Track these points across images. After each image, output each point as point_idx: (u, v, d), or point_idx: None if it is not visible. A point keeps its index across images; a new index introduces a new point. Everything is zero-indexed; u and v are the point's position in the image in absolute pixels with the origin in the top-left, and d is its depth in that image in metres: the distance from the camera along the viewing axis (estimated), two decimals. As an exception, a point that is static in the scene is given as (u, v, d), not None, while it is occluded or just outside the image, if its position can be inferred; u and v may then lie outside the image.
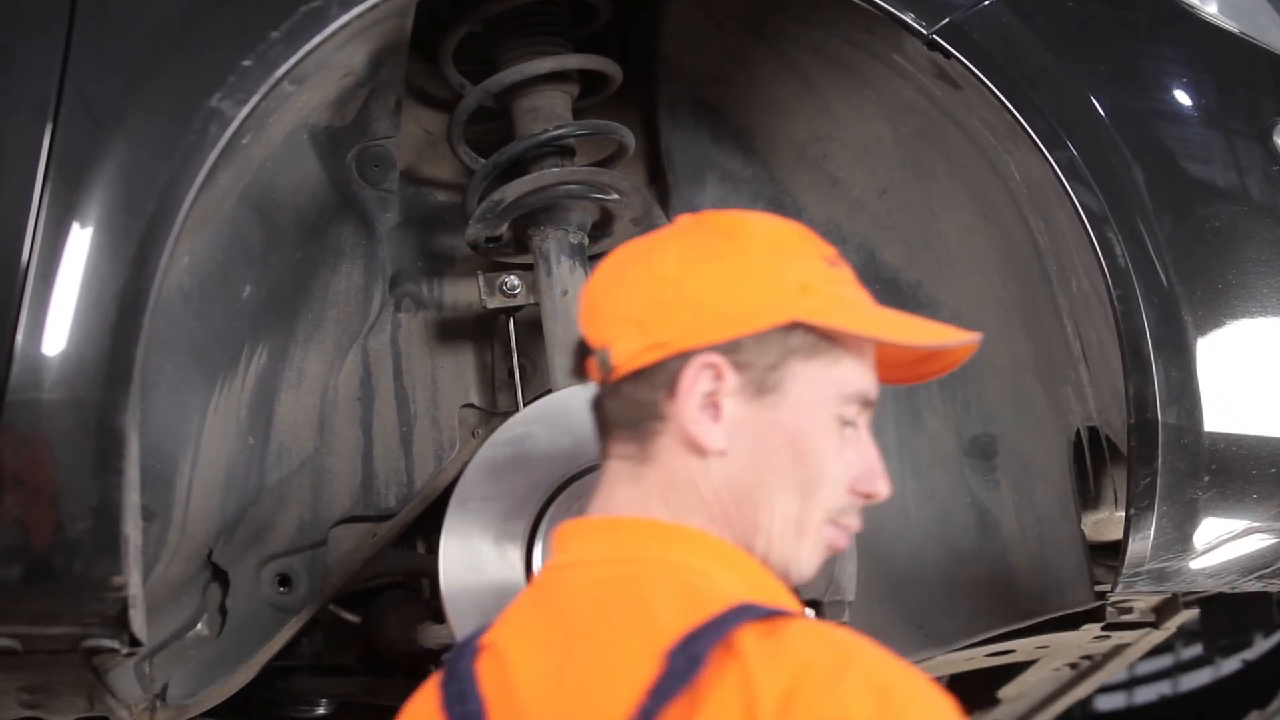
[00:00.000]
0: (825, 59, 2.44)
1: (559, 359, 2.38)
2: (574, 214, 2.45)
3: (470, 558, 2.19)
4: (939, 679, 2.81)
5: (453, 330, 2.58)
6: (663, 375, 1.59)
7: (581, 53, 2.48)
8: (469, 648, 1.61)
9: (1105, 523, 2.42)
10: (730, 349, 1.58)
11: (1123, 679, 4.90)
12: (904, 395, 2.53)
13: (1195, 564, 2.20)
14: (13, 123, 1.94)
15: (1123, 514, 2.18)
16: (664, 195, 2.64)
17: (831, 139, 2.55)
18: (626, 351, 1.60)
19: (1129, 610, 2.57)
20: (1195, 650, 4.69)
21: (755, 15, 2.46)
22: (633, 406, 1.61)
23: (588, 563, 1.61)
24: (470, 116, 2.47)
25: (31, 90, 1.94)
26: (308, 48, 1.99)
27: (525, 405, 2.43)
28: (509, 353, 2.52)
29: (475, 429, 2.56)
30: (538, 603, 1.62)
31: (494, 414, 2.57)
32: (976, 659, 2.70)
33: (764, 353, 1.59)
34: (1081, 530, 2.40)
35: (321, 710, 2.84)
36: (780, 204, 2.60)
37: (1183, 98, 2.30)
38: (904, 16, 2.15)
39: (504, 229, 2.45)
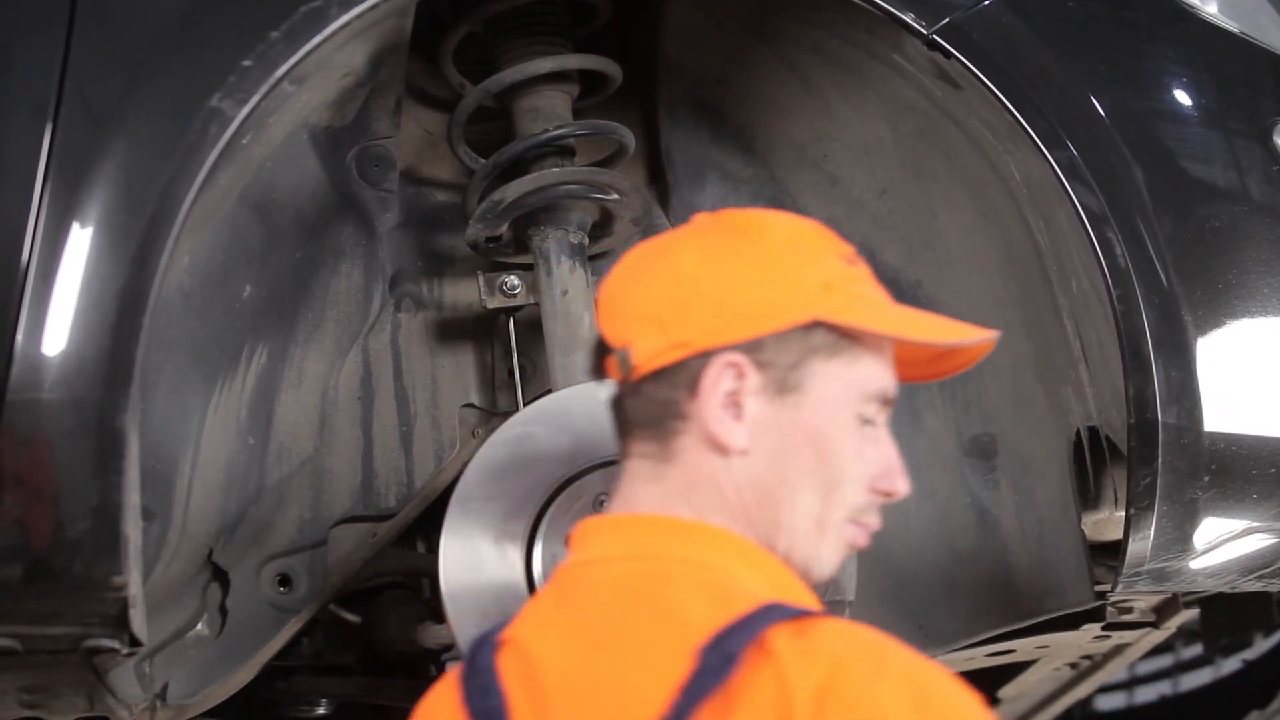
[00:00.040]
0: (825, 59, 2.44)
1: (559, 359, 2.38)
2: (574, 214, 2.45)
3: (470, 558, 2.19)
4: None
5: (453, 330, 2.58)
6: (684, 374, 1.60)
7: (581, 53, 2.48)
8: (489, 642, 1.61)
9: (1105, 522, 2.42)
10: (752, 348, 1.59)
11: (1123, 679, 4.89)
12: (904, 395, 2.50)
13: (1195, 564, 2.20)
14: (13, 123, 1.93)
15: (1123, 514, 2.18)
16: (664, 195, 2.64)
17: (831, 139, 2.55)
18: (647, 351, 1.60)
19: (1129, 610, 2.58)
20: (1195, 650, 4.69)
21: (755, 15, 2.46)
22: (654, 406, 1.62)
23: (610, 559, 1.61)
24: (470, 116, 2.47)
25: (31, 90, 1.94)
26: (308, 48, 1.99)
27: (525, 405, 2.43)
28: (509, 353, 2.53)
29: (475, 429, 2.56)
30: (560, 599, 1.62)
31: (494, 414, 2.57)
32: (976, 659, 2.70)
33: (785, 351, 1.59)
34: (1081, 530, 2.39)
35: (321, 710, 2.84)
36: (780, 204, 2.60)
37: (1183, 98, 2.30)
38: (904, 16, 2.16)
39: (504, 229, 2.45)
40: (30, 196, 1.90)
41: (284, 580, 2.47)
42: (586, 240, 2.47)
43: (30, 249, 1.89)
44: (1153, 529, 2.13)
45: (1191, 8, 2.33)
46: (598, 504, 2.20)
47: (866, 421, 1.63)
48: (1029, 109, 2.15)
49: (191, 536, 2.30)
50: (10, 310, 1.87)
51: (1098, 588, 2.37)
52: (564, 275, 2.41)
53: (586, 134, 2.46)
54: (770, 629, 1.44)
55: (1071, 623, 2.51)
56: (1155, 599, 2.57)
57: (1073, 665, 3.05)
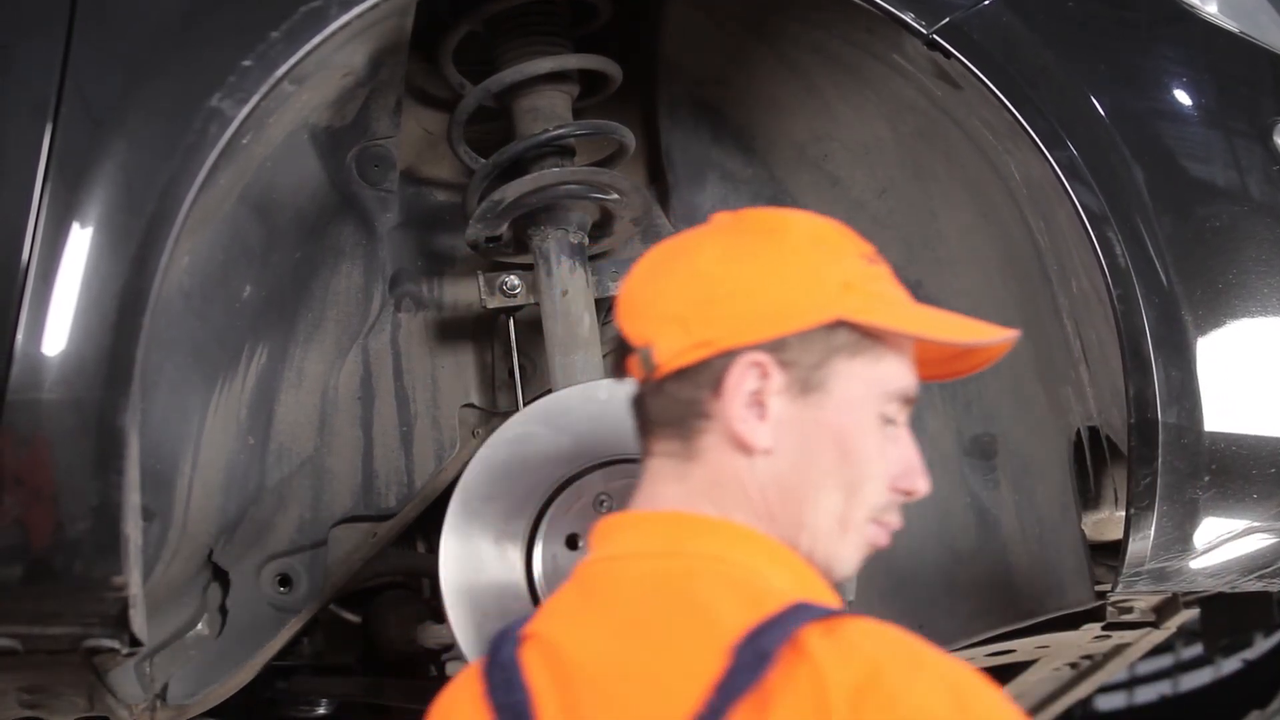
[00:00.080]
0: (825, 59, 2.44)
1: (559, 359, 2.38)
2: (574, 214, 2.45)
3: (470, 558, 2.19)
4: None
5: (453, 330, 2.58)
6: (707, 374, 1.60)
7: (581, 53, 2.48)
8: (511, 637, 1.61)
9: (1105, 522, 2.42)
10: (775, 347, 1.59)
11: (1123, 679, 4.89)
12: (904, 395, 2.53)
13: (1195, 564, 2.20)
14: (13, 123, 1.93)
15: (1123, 514, 2.18)
16: (664, 195, 2.64)
17: (831, 139, 2.55)
18: (670, 350, 1.61)
19: (1129, 610, 2.58)
20: (1195, 650, 4.69)
21: (755, 15, 2.46)
22: (677, 405, 1.62)
23: (635, 555, 1.61)
24: (470, 116, 2.47)
25: (31, 90, 1.94)
26: (308, 48, 1.99)
27: (525, 405, 2.43)
28: (509, 353, 2.52)
29: (475, 429, 2.57)
30: (584, 595, 1.62)
31: (494, 414, 2.57)
32: (976, 659, 2.70)
33: (808, 351, 1.60)
34: (1082, 530, 2.39)
35: (321, 710, 2.85)
36: (780, 204, 2.59)
37: (1183, 98, 2.29)
38: (904, 16, 2.16)
39: (504, 229, 2.45)
40: (30, 196, 1.90)
41: (284, 580, 2.47)
42: (586, 240, 2.47)
43: (30, 249, 1.89)
44: (1153, 529, 2.13)
45: (1191, 8, 2.33)
46: (598, 504, 2.20)
47: (888, 421, 1.64)
48: (1029, 109, 2.15)
49: (192, 536, 2.30)
50: (10, 310, 1.87)
51: (1098, 588, 2.37)
52: (564, 275, 2.41)
53: (586, 134, 2.46)
54: (803, 628, 1.44)
55: (1071, 623, 2.51)
56: (1155, 599, 2.57)
57: (1073, 665, 3.05)
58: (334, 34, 2.01)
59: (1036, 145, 2.15)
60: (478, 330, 2.59)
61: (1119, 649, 2.89)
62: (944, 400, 2.54)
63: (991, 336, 1.71)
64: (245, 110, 1.95)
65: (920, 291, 2.51)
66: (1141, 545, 2.15)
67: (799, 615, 1.47)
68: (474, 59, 2.52)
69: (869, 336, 1.62)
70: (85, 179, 1.91)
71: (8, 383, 1.87)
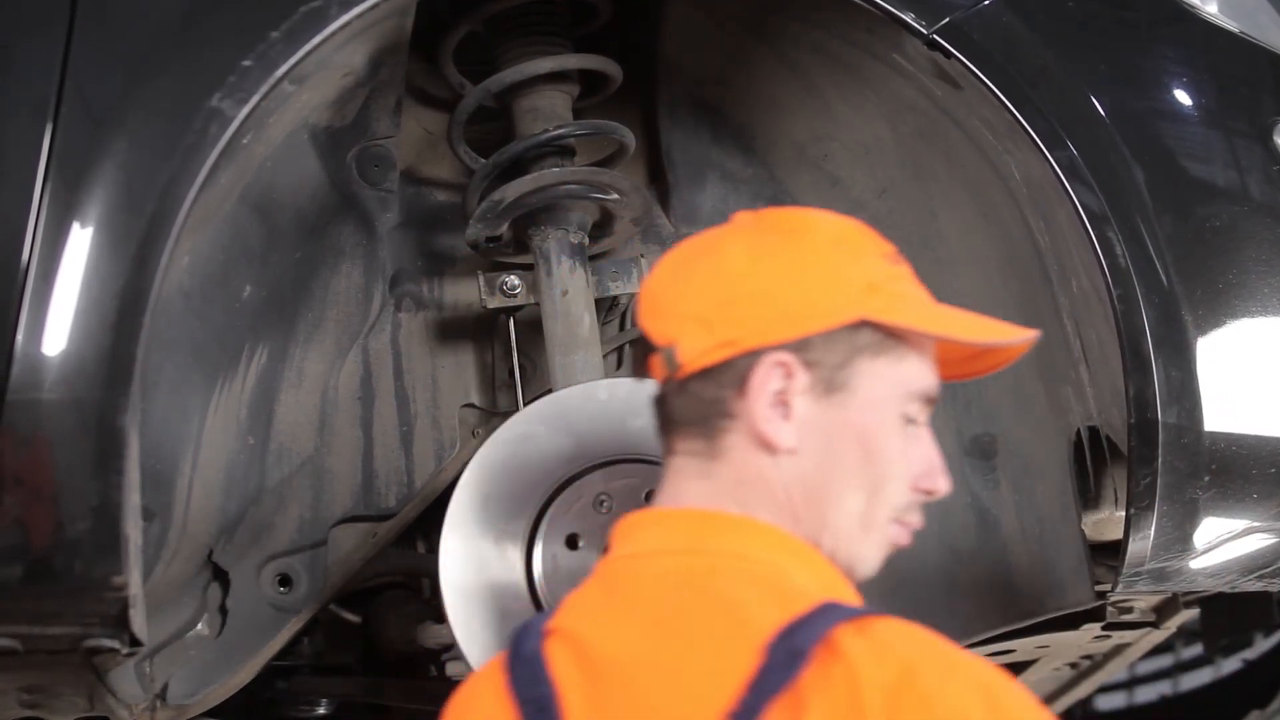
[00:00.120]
0: (825, 59, 2.44)
1: (559, 359, 2.38)
2: (574, 214, 2.45)
3: (470, 558, 2.19)
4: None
5: (453, 330, 2.59)
6: (731, 373, 1.61)
7: (581, 53, 2.48)
8: (534, 632, 1.61)
9: (1105, 522, 2.42)
10: (799, 347, 1.60)
11: (1123, 679, 4.90)
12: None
13: (1195, 563, 2.20)
14: (13, 123, 1.93)
15: (1123, 514, 2.18)
16: (664, 195, 2.64)
17: (831, 139, 2.55)
18: (694, 349, 1.61)
19: (1129, 610, 2.57)
20: (1195, 650, 4.69)
21: (755, 15, 2.46)
22: (700, 404, 1.62)
23: (659, 552, 1.62)
24: (470, 116, 2.47)
25: (31, 90, 1.94)
26: (308, 48, 1.99)
27: (525, 405, 2.43)
28: (509, 353, 2.53)
29: (475, 429, 2.57)
30: (608, 591, 1.62)
31: (494, 414, 2.57)
32: (977, 659, 2.69)
33: (832, 351, 1.61)
34: (1081, 530, 2.39)
35: (321, 710, 2.85)
36: (780, 204, 2.59)
37: (1183, 97, 2.29)
38: (904, 16, 2.16)
39: (504, 229, 2.45)
40: (30, 196, 1.90)
41: (284, 580, 2.47)
42: (586, 240, 2.47)
43: (30, 249, 1.89)
44: (1153, 529, 2.13)
45: (1191, 8, 2.33)
46: (598, 504, 2.20)
47: (910, 420, 1.65)
48: (1029, 109, 2.15)
49: (192, 536, 2.30)
50: (10, 310, 1.87)
51: (1098, 588, 2.37)
52: (564, 275, 2.41)
53: (586, 134, 2.46)
54: (836, 628, 1.45)
55: (1071, 623, 2.51)
56: (1155, 599, 2.57)
57: (1073, 665, 3.05)
58: (334, 34, 2.01)
59: (1036, 145, 2.15)
60: (478, 330, 2.59)
61: (1119, 649, 2.89)
62: (944, 400, 2.52)
63: (1013, 337, 1.72)
64: (245, 110, 1.95)
65: (920, 291, 2.52)
66: (1141, 545, 2.15)
67: (830, 615, 1.47)
68: (474, 59, 2.52)
69: (892, 336, 1.62)
70: (85, 179, 1.91)
71: (8, 383, 1.87)
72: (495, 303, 2.47)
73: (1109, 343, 2.16)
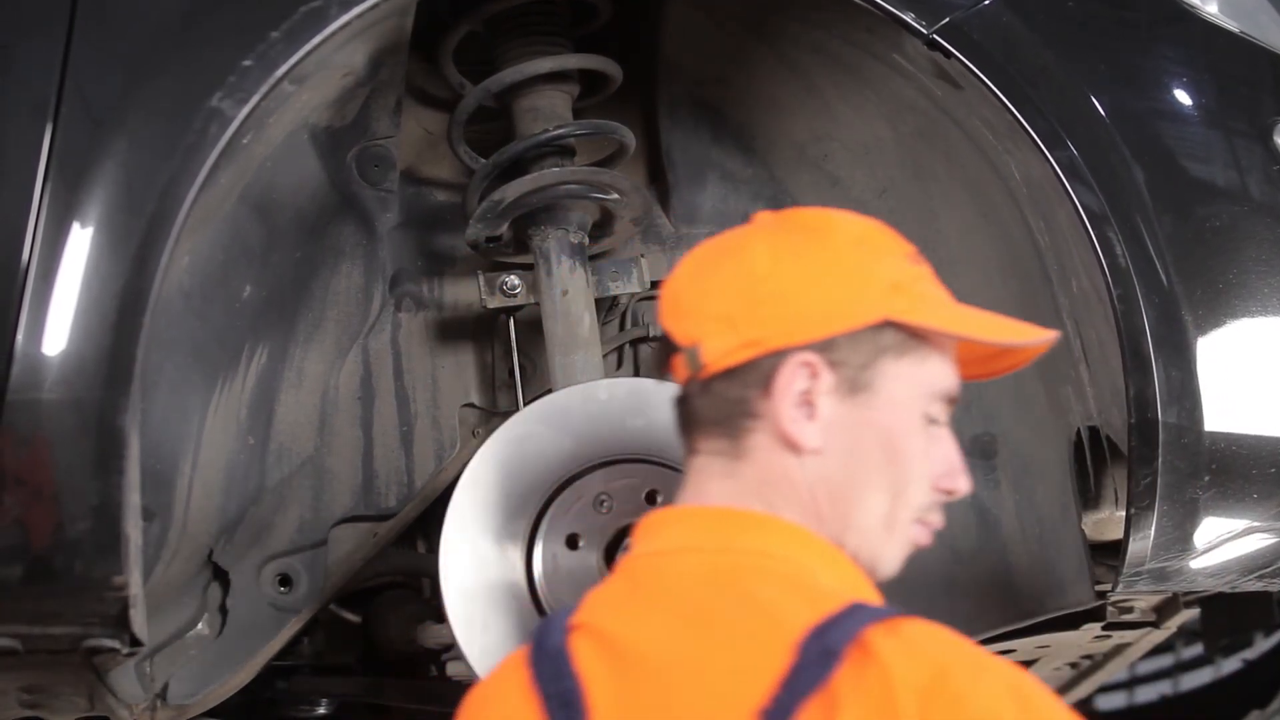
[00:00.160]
0: (825, 59, 2.44)
1: (559, 359, 2.38)
2: (574, 214, 2.45)
3: (470, 557, 2.19)
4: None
5: (453, 330, 2.59)
6: (756, 373, 1.61)
7: (581, 52, 2.48)
8: (558, 627, 1.61)
9: (1106, 522, 2.42)
10: (824, 347, 1.60)
11: (1123, 679, 4.89)
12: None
13: (1195, 563, 2.20)
14: (13, 123, 1.94)
15: (1123, 513, 2.18)
16: (664, 195, 2.64)
17: (831, 139, 2.55)
18: (718, 349, 1.61)
19: (1129, 610, 2.58)
20: (1195, 650, 4.69)
21: (755, 15, 2.46)
22: (724, 404, 1.63)
23: (686, 550, 1.62)
24: (470, 116, 2.47)
25: (31, 90, 1.94)
26: (308, 47, 1.99)
27: (525, 405, 2.43)
28: (509, 353, 2.53)
29: (475, 429, 2.57)
30: (634, 588, 1.62)
31: (494, 414, 2.57)
32: (977, 659, 2.69)
33: (857, 351, 1.61)
34: (1082, 530, 2.39)
35: (321, 710, 2.85)
36: (780, 204, 2.60)
37: (1183, 97, 2.29)
38: (904, 16, 2.16)
39: (504, 229, 2.45)
40: (30, 196, 1.90)
41: (284, 580, 2.47)
42: (587, 240, 2.47)
43: (30, 249, 1.89)
44: (1153, 529, 2.13)
45: (1191, 8, 2.33)
46: (598, 504, 2.20)
47: (932, 421, 1.65)
48: (1029, 109, 2.15)
49: (192, 536, 2.30)
50: (10, 310, 1.87)
51: (1098, 587, 2.37)
52: (564, 275, 2.41)
53: (586, 134, 2.46)
54: (868, 628, 1.45)
55: (1072, 623, 2.51)
56: (1155, 599, 2.57)
57: (1073, 665, 3.06)
58: (334, 34, 2.01)
59: (1036, 145, 2.15)
60: (478, 330, 2.59)
61: (1119, 649, 2.89)
62: (944, 400, 2.53)
63: (1034, 337, 1.73)
64: (245, 110, 1.95)
65: (920, 291, 2.52)
66: (1141, 545, 2.15)
67: (860, 615, 1.47)
68: (474, 59, 2.52)
69: (915, 337, 1.63)
70: (85, 179, 1.91)
71: (8, 383, 1.87)
72: (495, 303, 2.47)
73: (1109, 343, 2.16)
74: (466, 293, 2.57)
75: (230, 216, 2.20)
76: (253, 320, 2.37)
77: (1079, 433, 2.38)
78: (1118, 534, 2.23)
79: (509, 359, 2.53)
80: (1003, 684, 1.44)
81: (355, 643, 2.70)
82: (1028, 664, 2.90)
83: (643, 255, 2.55)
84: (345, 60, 2.19)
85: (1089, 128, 2.17)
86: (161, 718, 2.39)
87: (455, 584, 2.19)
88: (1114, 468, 2.35)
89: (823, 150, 2.57)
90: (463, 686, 2.58)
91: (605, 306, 2.57)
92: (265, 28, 1.99)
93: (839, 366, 1.60)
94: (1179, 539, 2.16)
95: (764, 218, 1.71)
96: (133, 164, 1.93)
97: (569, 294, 2.40)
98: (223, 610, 2.44)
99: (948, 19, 2.16)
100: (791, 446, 1.61)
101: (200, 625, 2.43)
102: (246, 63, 1.97)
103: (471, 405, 2.57)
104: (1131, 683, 5.01)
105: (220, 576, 2.44)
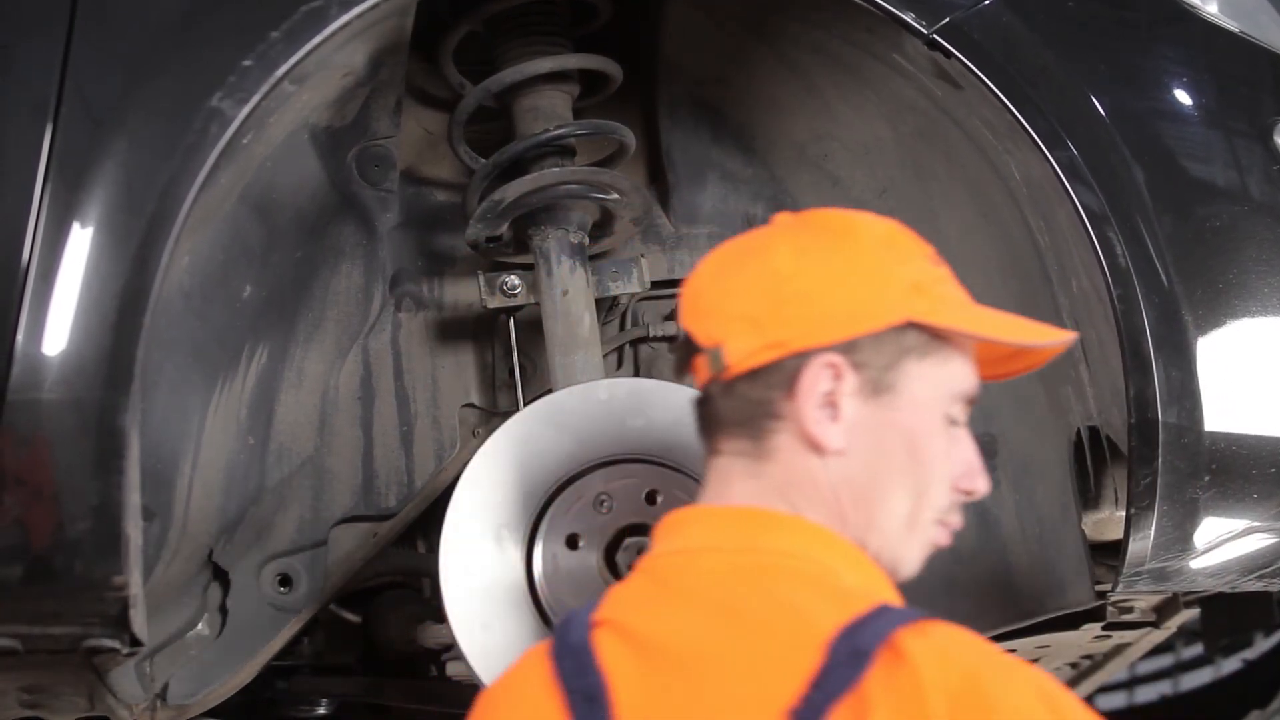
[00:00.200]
0: (825, 59, 2.44)
1: (559, 359, 2.38)
2: (574, 214, 2.44)
3: (470, 557, 2.19)
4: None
5: (453, 330, 2.59)
6: (779, 374, 1.61)
7: (581, 52, 2.48)
8: (581, 623, 1.61)
9: (1105, 522, 2.42)
10: (848, 349, 1.60)
11: (1123, 679, 4.90)
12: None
13: (1196, 563, 2.20)
14: (13, 123, 1.94)
15: (1123, 513, 2.18)
16: (664, 195, 2.64)
17: (831, 139, 2.55)
18: (741, 350, 1.62)
19: (1129, 610, 2.58)
20: (1195, 650, 4.70)
21: (755, 15, 2.46)
22: (747, 405, 1.63)
23: (711, 549, 1.62)
24: (470, 116, 2.47)
25: (31, 90, 1.94)
26: (308, 47, 1.99)
27: (525, 405, 2.43)
28: (509, 353, 2.53)
29: (475, 429, 2.57)
30: (658, 584, 1.62)
31: (494, 414, 2.57)
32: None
33: (880, 352, 1.61)
34: (1082, 530, 2.39)
35: (321, 710, 2.85)
36: (780, 204, 2.60)
37: (1183, 97, 2.29)
38: (904, 16, 2.16)
39: (504, 229, 2.45)
40: (30, 196, 1.90)
41: (284, 580, 2.47)
42: (587, 240, 2.47)
43: (30, 249, 1.89)
44: (1153, 528, 2.13)
45: (1191, 7, 2.33)
46: (598, 504, 2.20)
47: (953, 422, 1.65)
48: (1029, 109, 2.15)
49: (192, 536, 2.30)
50: (10, 310, 1.87)
51: (1098, 587, 2.37)
52: (564, 275, 2.41)
53: (586, 134, 2.46)
54: (899, 630, 1.45)
55: (1071, 623, 2.51)
56: (1155, 599, 2.57)
57: (1073, 665, 3.05)
58: (334, 34, 2.01)
59: (1036, 145, 2.15)
60: (478, 330, 2.59)
61: (1119, 649, 2.89)
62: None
63: (1053, 338, 1.73)
64: (245, 110, 1.95)
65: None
66: (1142, 545, 2.15)
67: (890, 616, 1.48)
68: (474, 59, 2.52)
69: (937, 338, 1.63)
70: (85, 179, 1.91)
71: (8, 383, 1.87)
72: (495, 303, 2.47)
73: (1109, 343, 2.16)
74: (466, 293, 2.57)
75: (230, 216, 2.20)
76: (253, 320, 2.37)
77: (1079, 433, 2.38)
78: (1118, 534, 2.23)
79: (509, 359, 2.53)
80: (1032, 689, 1.44)
81: (355, 643, 2.70)
82: (1028, 664, 2.90)
83: (643, 255, 2.55)
84: (345, 60, 2.19)
85: (1089, 128, 2.17)
86: (161, 718, 2.39)
87: (455, 584, 2.19)
88: (1114, 468, 2.35)
89: (823, 150, 2.57)
90: (463, 686, 2.59)
91: (605, 306, 2.57)
92: (265, 28, 1.99)
93: (862, 368, 1.61)
94: (1179, 539, 2.16)
95: (784, 219, 1.71)
96: (133, 164, 1.93)
97: (569, 294, 2.40)
98: (223, 610, 2.44)
99: (948, 19, 2.16)
100: (815, 448, 1.61)
101: (200, 625, 2.43)
102: (247, 63, 1.97)
103: (471, 405, 2.58)
104: (1131, 683, 5.02)
105: (220, 576, 2.44)
